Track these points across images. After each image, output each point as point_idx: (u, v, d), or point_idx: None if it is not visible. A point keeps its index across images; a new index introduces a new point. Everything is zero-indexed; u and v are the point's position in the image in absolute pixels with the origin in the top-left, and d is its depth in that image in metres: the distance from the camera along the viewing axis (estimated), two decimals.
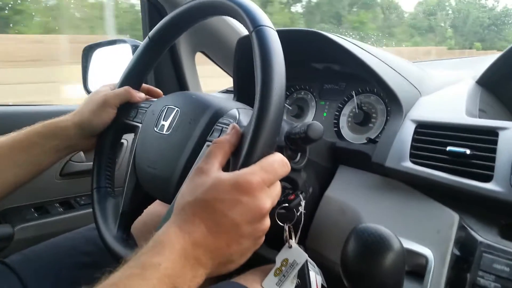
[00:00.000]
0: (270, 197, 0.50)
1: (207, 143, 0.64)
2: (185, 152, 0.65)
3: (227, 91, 1.42)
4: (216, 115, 0.66)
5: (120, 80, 0.82)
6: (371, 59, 0.81)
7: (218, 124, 0.64)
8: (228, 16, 0.66)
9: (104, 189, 0.78)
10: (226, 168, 0.53)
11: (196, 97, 0.73)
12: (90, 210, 1.17)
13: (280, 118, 0.53)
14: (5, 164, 0.72)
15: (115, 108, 0.78)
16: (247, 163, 0.51)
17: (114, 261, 0.65)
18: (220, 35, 1.36)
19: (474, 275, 0.54)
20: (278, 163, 0.52)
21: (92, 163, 0.81)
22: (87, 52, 1.45)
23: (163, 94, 1.44)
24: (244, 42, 0.99)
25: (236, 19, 0.63)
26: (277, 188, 0.52)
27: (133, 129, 0.78)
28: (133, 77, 0.82)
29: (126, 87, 0.79)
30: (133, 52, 1.37)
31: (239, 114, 0.66)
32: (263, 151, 0.52)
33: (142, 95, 0.82)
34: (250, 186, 0.47)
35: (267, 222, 0.51)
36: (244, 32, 1.33)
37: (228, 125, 0.63)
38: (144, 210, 0.78)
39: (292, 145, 0.64)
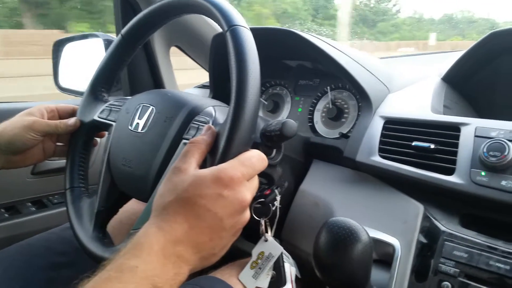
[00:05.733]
0: (250, 190, 0.52)
1: (184, 141, 0.65)
2: (161, 150, 0.66)
3: (203, 86, 1.42)
4: (192, 113, 0.67)
5: (93, 79, 0.82)
6: (342, 58, 0.83)
7: (194, 122, 0.65)
8: (202, 14, 0.67)
9: (78, 189, 0.77)
10: (202, 167, 0.54)
11: (171, 95, 0.74)
12: (64, 208, 1.16)
13: (255, 117, 0.55)
14: None
15: (39, 135, 0.76)
16: (224, 160, 0.52)
17: (90, 260, 0.66)
18: (196, 29, 1.36)
19: (437, 262, 0.58)
20: (255, 158, 0.54)
21: (65, 160, 0.81)
22: (58, 47, 1.42)
23: (138, 89, 1.45)
24: (219, 39, 1.00)
25: (210, 18, 0.64)
26: (255, 182, 0.54)
27: (106, 127, 0.78)
28: (105, 75, 0.82)
29: (60, 123, 0.77)
30: (106, 46, 1.35)
31: (215, 111, 0.67)
32: (239, 148, 0.53)
33: (71, 123, 0.79)
34: (231, 179, 0.49)
35: (247, 215, 0.53)
36: (217, 26, 1.33)
37: (204, 123, 0.64)
38: (120, 209, 0.78)
39: (268, 141, 0.66)
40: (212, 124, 0.62)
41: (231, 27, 0.57)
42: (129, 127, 0.72)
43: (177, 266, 0.46)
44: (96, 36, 1.37)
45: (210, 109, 0.68)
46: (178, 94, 0.74)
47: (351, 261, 0.51)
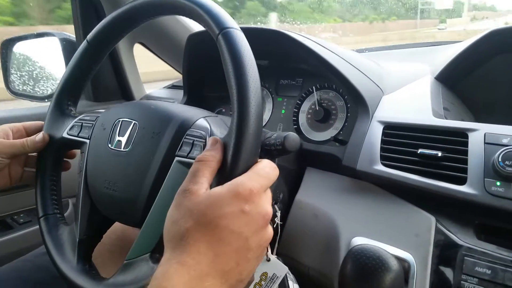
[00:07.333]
0: (269, 201, 0.48)
1: (177, 158, 0.58)
2: (152, 170, 0.59)
3: (173, 87, 1.34)
4: (183, 127, 0.60)
5: (57, 92, 0.73)
6: (333, 58, 0.79)
7: (187, 137, 0.59)
8: (186, 16, 0.60)
9: (53, 217, 0.69)
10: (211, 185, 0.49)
11: (155, 108, 0.66)
12: (32, 228, 1.07)
13: (261, 124, 0.50)
14: None
15: (5, 158, 0.69)
16: (236, 173, 0.47)
17: None
18: (162, 25, 1.27)
19: (458, 279, 0.55)
20: (268, 167, 0.49)
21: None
22: (6, 47, 1.28)
23: (101, 90, 1.34)
24: (196, 39, 0.93)
25: (195, 20, 0.58)
26: (270, 193, 0.50)
27: (78, 145, 0.70)
28: (71, 87, 0.73)
29: (26, 140, 0.70)
30: (63, 46, 1.24)
31: (209, 124, 0.61)
32: (250, 159, 0.49)
33: (39, 139, 0.71)
34: (251, 192, 0.44)
35: (270, 230, 0.48)
36: (192, 25, 1.26)
37: (199, 137, 0.58)
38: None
39: (266, 155, 0.61)
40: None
41: (224, 30, 0.51)
42: (109, 145, 0.64)
43: None
44: (52, 34, 1.25)
45: (202, 122, 0.62)
46: (163, 106, 0.67)
47: None
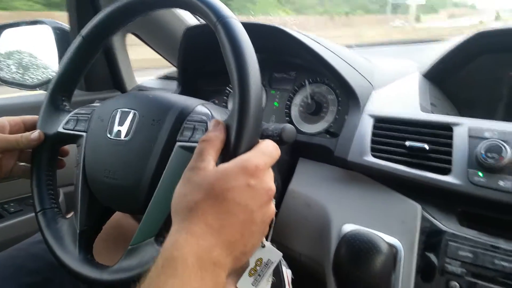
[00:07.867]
0: (272, 179, 0.50)
1: (178, 143, 0.60)
2: (153, 156, 0.60)
3: (166, 78, 1.35)
4: (183, 114, 0.62)
5: (51, 87, 0.73)
6: (327, 53, 0.82)
7: (188, 123, 0.61)
8: (183, 9, 0.62)
9: (50, 211, 0.69)
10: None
11: (154, 97, 0.68)
12: (23, 217, 1.07)
13: (261, 107, 0.53)
14: None
15: None
16: (239, 151, 0.50)
17: (68, 276, 0.60)
18: (155, 15, 1.27)
19: (443, 262, 0.60)
20: (271, 146, 0.52)
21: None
22: None
23: (93, 81, 1.34)
24: (193, 32, 0.94)
25: (192, 12, 0.60)
26: (272, 172, 0.52)
27: (74, 139, 0.70)
28: (65, 83, 0.73)
29: (21, 137, 0.69)
30: (56, 35, 1.23)
31: (209, 110, 0.64)
32: (252, 139, 0.52)
33: (34, 136, 0.70)
34: (256, 168, 0.47)
35: (273, 207, 0.51)
36: (186, 17, 1.27)
37: (200, 122, 0.60)
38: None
39: None
40: None
41: (222, 19, 0.54)
42: (108, 136, 0.65)
43: (215, 274, 0.42)
44: (43, 22, 1.24)
45: (202, 108, 0.64)
46: (161, 96, 0.68)
47: (374, 272, 0.51)
